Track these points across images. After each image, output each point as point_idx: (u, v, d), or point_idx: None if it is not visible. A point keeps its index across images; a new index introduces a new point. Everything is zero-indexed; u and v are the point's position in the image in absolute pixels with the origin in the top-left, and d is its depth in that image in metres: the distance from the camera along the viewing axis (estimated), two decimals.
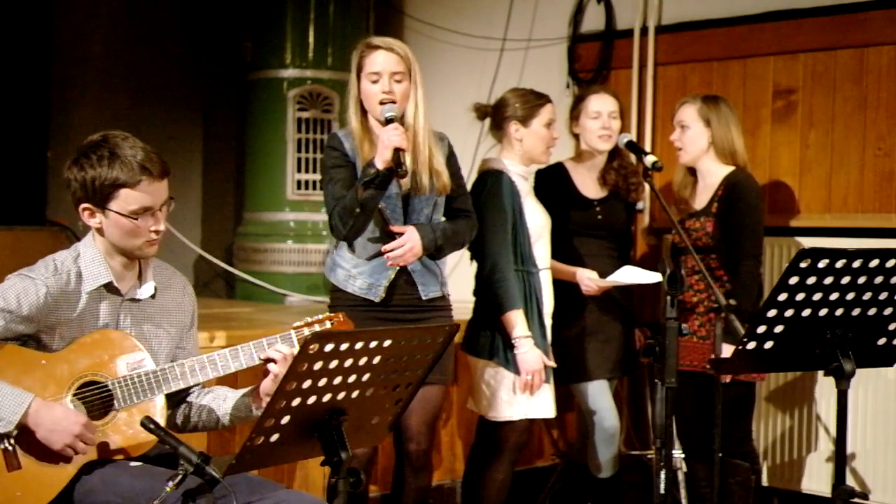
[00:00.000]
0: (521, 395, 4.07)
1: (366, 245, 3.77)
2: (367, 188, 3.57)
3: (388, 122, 3.60)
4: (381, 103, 3.67)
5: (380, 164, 3.56)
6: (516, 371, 4.05)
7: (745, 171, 4.32)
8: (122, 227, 2.90)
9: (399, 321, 3.74)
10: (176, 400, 3.09)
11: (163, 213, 2.93)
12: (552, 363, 4.13)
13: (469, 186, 4.12)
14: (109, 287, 2.96)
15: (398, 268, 3.76)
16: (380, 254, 3.74)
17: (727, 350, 3.82)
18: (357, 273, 3.77)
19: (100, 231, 2.94)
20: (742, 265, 4.20)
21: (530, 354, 4.02)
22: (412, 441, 3.88)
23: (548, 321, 4.19)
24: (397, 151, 3.54)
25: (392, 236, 3.75)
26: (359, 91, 3.75)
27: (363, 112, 3.77)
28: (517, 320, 4.03)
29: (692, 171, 4.44)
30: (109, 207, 2.88)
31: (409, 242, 3.71)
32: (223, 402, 3.06)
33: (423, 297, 3.81)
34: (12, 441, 2.81)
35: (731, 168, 4.31)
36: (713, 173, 4.34)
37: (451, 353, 3.88)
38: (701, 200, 4.37)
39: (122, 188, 2.86)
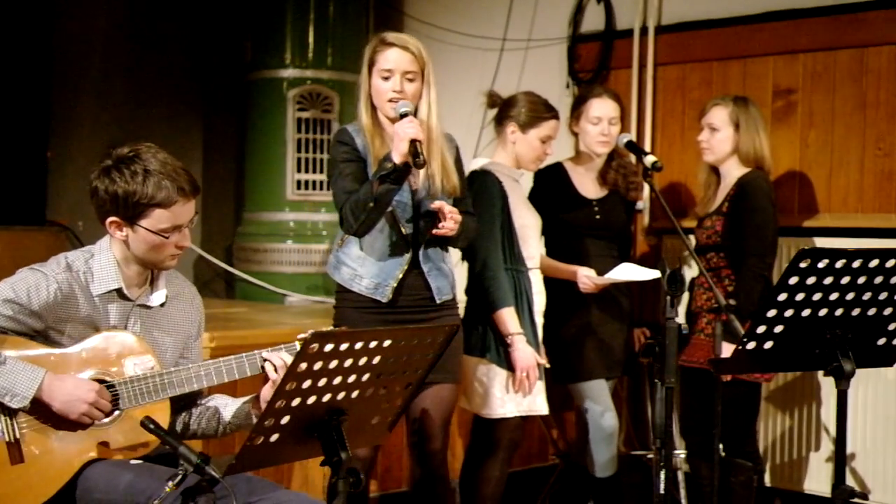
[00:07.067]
0: (513, 392, 4.06)
1: (373, 244, 3.72)
2: (383, 182, 3.52)
3: (402, 117, 3.55)
4: (391, 101, 3.64)
5: (397, 157, 3.50)
6: (509, 368, 4.04)
7: (760, 172, 4.32)
8: (150, 243, 2.90)
9: (407, 322, 3.67)
10: (176, 407, 3.09)
11: (189, 229, 2.94)
12: (544, 361, 4.13)
13: None
14: (119, 292, 2.97)
15: (406, 267, 3.72)
16: (389, 254, 3.71)
17: (727, 350, 3.83)
18: (364, 272, 3.72)
19: (125, 242, 2.93)
20: (745, 264, 4.22)
21: (524, 352, 4.01)
22: (430, 441, 3.83)
23: (538, 319, 4.18)
24: (413, 143, 3.47)
25: (403, 238, 3.71)
26: (369, 86, 3.71)
27: (373, 107, 3.72)
28: (509, 318, 4.02)
29: (715, 170, 4.46)
30: (139, 224, 2.88)
31: (457, 213, 3.66)
32: (223, 409, 3.06)
33: (437, 300, 3.77)
34: (16, 435, 2.82)
35: (748, 170, 4.33)
36: (731, 174, 4.37)
37: (459, 351, 3.87)
38: (718, 200, 4.40)
39: (157, 208, 2.86)
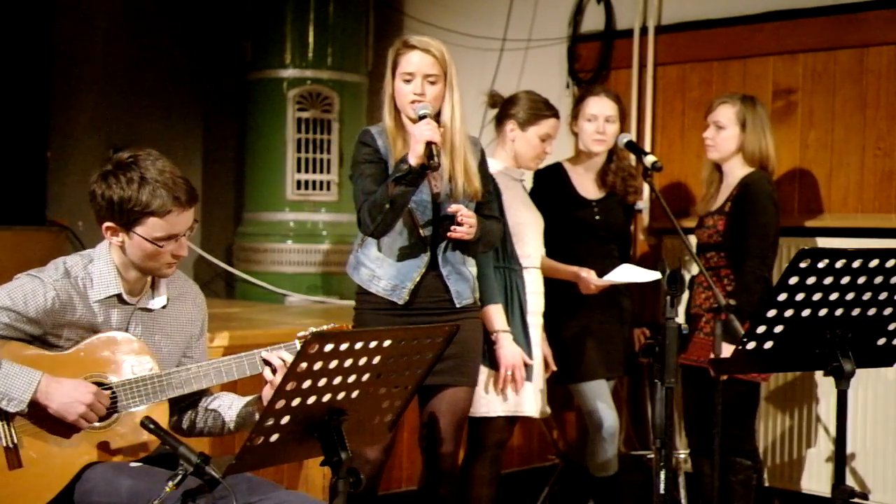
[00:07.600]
0: (497, 391, 4.02)
1: (392, 246, 3.70)
2: (399, 184, 3.51)
3: (420, 118, 3.54)
4: (413, 103, 3.62)
5: (412, 159, 3.49)
6: (492, 366, 4.01)
7: (763, 172, 4.32)
8: (145, 250, 2.89)
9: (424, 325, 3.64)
10: (183, 405, 3.09)
11: (186, 238, 2.92)
12: (532, 361, 4.08)
13: None
14: (119, 298, 2.96)
15: (424, 270, 3.70)
16: (407, 256, 3.69)
17: (727, 350, 3.83)
18: (381, 273, 3.70)
19: (121, 248, 2.92)
20: (745, 265, 4.22)
21: (509, 349, 3.97)
22: (443, 443, 3.80)
23: (532, 319, 4.14)
24: (429, 145, 3.46)
25: (422, 241, 3.69)
26: (393, 89, 3.70)
27: (397, 110, 3.71)
28: (496, 315, 3.97)
29: (718, 168, 4.46)
30: (135, 231, 2.87)
31: (473, 217, 3.65)
32: (229, 408, 3.06)
33: (457, 305, 3.74)
34: (14, 440, 2.81)
35: (751, 170, 4.33)
36: (735, 174, 4.37)
37: (478, 355, 3.85)
38: (720, 199, 4.40)
39: (151, 216, 2.84)
